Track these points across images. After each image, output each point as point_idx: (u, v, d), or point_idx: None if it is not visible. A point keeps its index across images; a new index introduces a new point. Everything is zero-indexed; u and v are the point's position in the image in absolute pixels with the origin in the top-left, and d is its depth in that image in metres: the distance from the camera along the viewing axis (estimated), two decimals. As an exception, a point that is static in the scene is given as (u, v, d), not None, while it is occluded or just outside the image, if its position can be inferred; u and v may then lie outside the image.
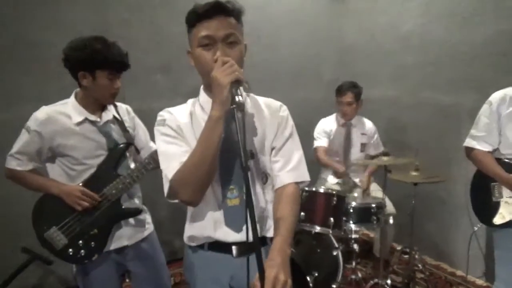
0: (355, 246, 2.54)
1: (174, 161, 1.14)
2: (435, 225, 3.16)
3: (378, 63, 3.59)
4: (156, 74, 2.92)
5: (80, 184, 1.69)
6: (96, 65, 1.62)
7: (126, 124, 1.86)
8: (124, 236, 1.79)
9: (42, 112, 1.65)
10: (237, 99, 1.01)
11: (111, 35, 1.90)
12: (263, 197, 1.27)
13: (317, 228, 2.33)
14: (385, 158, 2.38)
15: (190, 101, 1.32)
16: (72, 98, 1.73)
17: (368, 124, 3.18)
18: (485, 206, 1.99)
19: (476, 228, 2.27)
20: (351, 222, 2.49)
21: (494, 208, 1.95)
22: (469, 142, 2.05)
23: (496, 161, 1.96)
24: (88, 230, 1.70)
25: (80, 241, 1.69)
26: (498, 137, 1.95)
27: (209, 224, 1.23)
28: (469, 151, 2.05)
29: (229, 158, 1.19)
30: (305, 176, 1.30)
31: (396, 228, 2.92)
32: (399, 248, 3.10)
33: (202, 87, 1.30)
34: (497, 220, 1.93)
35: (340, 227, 2.38)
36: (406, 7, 3.30)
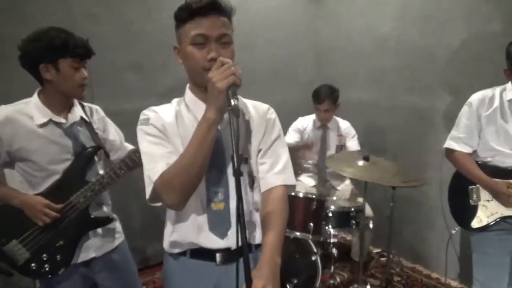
0: (334, 251, 2.49)
1: (159, 162, 1.09)
2: (411, 228, 3.18)
3: (355, 65, 3.58)
4: (127, 72, 2.77)
5: (48, 190, 1.55)
6: (57, 54, 1.49)
7: (95, 126, 1.72)
8: (91, 247, 1.66)
9: (1, 112, 1.51)
10: (232, 102, 0.96)
11: (78, 30, 1.77)
12: (250, 202, 1.21)
13: (297, 234, 2.28)
14: (362, 163, 2.35)
15: (175, 100, 1.25)
16: (35, 97, 1.58)
17: (344, 125, 3.14)
18: (463, 210, 2.00)
19: (453, 232, 2.28)
20: (330, 226, 2.45)
21: (471, 211, 1.95)
22: (449, 144, 2.04)
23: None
24: (54, 242, 1.56)
25: (44, 255, 1.55)
26: (478, 139, 1.96)
27: (192, 229, 1.17)
28: (450, 152, 2.05)
29: (216, 159, 1.13)
30: (292, 180, 1.27)
31: (373, 230, 2.91)
32: (375, 251, 3.10)
33: (188, 85, 1.23)
34: (475, 223, 1.93)
35: (320, 232, 2.34)
36: (383, 10, 3.31)
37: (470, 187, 1.96)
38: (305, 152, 3.08)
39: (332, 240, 2.48)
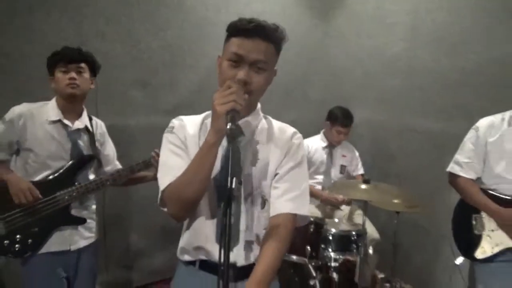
0: (334, 275, 2.40)
1: (169, 173, 1.14)
2: (418, 254, 3.06)
3: (364, 86, 3.53)
4: (133, 89, 2.80)
5: (41, 181, 1.73)
6: None
7: (96, 138, 1.92)
8: (67, 241, 1.81)
9: (21, 106, 1.76)
10: (228, 127, 0.97)
11: (86, 47, 1.86)
12: (259, 223, 1.20)
13: (293, 258, 2.21)
14: (364, 186, 2.28)
15: (207, 112, 1.28)
16: (53, 100, 1.83)
17: (349, 147, 3.17)
18: (466, 239, 1.91)
19: (458, 263, 2.16)
20: (330, 250, 2.37)
21: (475, 241, 1.86)
22: (452, 168, 1.98)
23: None
24: (30, 227, 1.72)
25: (18, 236, 1.70)
26: (482, 165, 1.88)
27: (200, 236, 1.19)
28: (453, 177, 1.98)
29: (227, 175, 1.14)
30: (304, 210, 1.21)
31: (378, 254, 2.82)
32: (380, 276, 2.99)
33: None
34: (479, 254, 1.84)
35: (317, 257, 2.26)
36: (393, 31, 3.28)
37: (474, 215, 1.88)
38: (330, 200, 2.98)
39: (332, 264, 2.41)
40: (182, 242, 1.25)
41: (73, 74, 1.77)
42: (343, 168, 3.07)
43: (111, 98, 2.64)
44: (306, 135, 3.27)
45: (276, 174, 1.21)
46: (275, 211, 1.18)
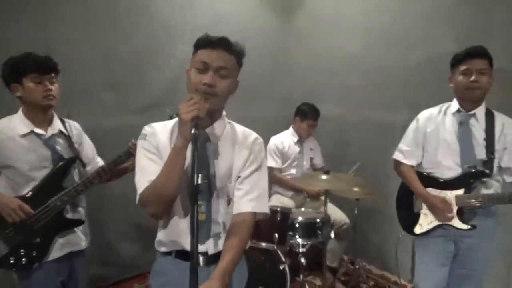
0: (302, 260, 2.61)
1: (145, 177, 1.28)
2: (378, 236, 3.34)
3: (325, 83, 3.75)
4: (103, 91, 2.86)
5: (30, 193, 1.74)
6: None
7: (73, 139, 1.93)
8: (69, 244, 1.85)
9: None
10: (192, 131, 1.14)
11: (54, 53, 1.90)
12: (225, 217, 1.37)
13: (263, 245, 2.39)
14: (325, 176, 2.50)
15: (176, 119, 1.39)
16: (20, 112, 1.80)
17: (313, 140, 3.45)
18: (407, 216, 2.16)
19: (400, 236, 2.43)
20: (297, 236, 2.58)
21: (414, 218, 2.11)
22: (397, 155, 2.20)
23: (418, 173, 2.11)
24: (31, 239, 1.74)
25: (22, 250, 1.73)
26: (421, 152, 2.11)
27: (175, 232, 1.33)
28: (397, 164, 2.21)
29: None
30: (264, 208, 1.39)
31: (346, 239, 3.07)
32: (346, 258, 3.24)
33: None
34: (417, 229, 2.09)
35: (284, 243, 2.46)
36: (348, 31, 3.52)
37: (414, 196, 2.13)
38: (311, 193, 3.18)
39: (300, 250, 2.61)
40: (159, 236, 1.39)
41: (49, 85, 1.75)
42: (311, 160, 3.33)
43: (82, 100, 2.70)
44: (271, 131, 3.44)
45: (238, 177, 1.37)
46: (237, 210, 1.35)
